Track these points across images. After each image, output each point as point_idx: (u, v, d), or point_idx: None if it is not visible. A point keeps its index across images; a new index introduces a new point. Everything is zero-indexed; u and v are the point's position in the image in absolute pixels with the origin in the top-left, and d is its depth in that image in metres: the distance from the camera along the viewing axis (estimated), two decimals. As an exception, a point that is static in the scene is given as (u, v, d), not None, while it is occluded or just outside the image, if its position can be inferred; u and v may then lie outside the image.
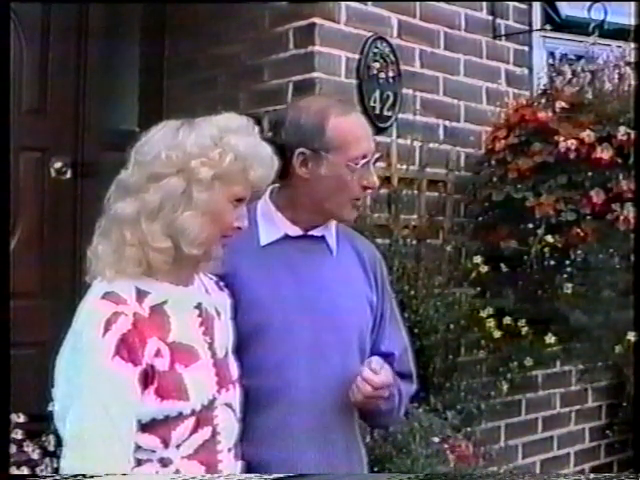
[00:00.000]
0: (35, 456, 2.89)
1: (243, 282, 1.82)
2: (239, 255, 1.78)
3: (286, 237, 1.91)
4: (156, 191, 1.57)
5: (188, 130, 1.61)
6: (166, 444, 1.55)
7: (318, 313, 1.87)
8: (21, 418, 2.90)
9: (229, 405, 1.68)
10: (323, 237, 1.94)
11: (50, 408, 1.56)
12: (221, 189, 1.60)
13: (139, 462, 1.53)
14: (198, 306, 1.67)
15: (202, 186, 1.58)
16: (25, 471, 2.81)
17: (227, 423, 1.66)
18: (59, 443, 2.76)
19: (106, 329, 1.49)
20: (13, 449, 2.83)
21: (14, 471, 2.75)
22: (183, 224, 1.57)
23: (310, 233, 1.92)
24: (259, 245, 1.89)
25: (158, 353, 1.54)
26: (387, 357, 1.99)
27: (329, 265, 1.94)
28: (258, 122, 1.72)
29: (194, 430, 1.58)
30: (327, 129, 1.85)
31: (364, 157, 1.86)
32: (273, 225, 1.91)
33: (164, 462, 1.55)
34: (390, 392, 1.89)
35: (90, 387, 1.48)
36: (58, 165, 3.40)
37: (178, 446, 1.56)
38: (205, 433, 1.60)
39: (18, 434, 2.89)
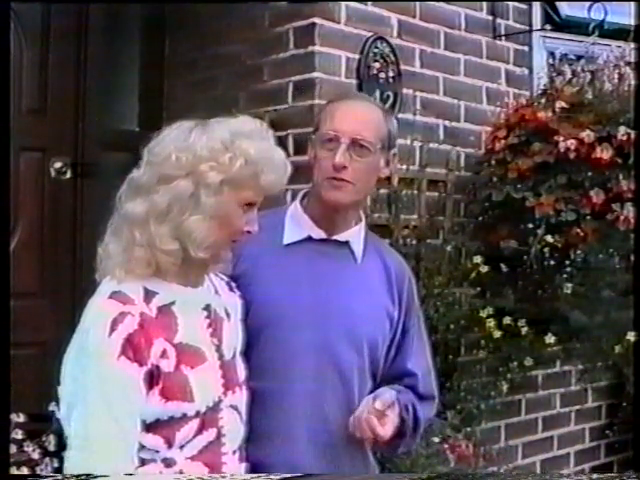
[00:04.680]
0: (35, 456, 2.89)
1: (260, 280, 1.83)
2: (261, 254, 1.80)
3: (309, 239, 1.91)
4: (165, 193, 1.57)
5: (200, 132, 1.59)
6: (170, 444, 1.55)
7: (331, 317, 1.87)
8: (21, 418, 2.90)
9: (235, 407, 1.67)
10: (347, 243, 1.93)
11: (51, 407, 1.56)
12: (230, 194, 1.59)
13: (143, 462, 1.53)
14: (207, 307, 1.67)
15: (210, 190, 1.57)
16: (25, 471, 2.81)
17: (232, 425, 1.66)
18: (59, 443, 2.78)
19: (112, 329, 1.49)
20: (13, 449, 2.83)
21: (14, 471, 2.75)
22: (190, 227, 1.57)
23: (334, 237, 1.92)
24: (282, 245, 1.89)
25: (164, 354, 1.54)
26: (410, 377, 1.99)
27: (350, 271, 1.93)
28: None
29: (198, 431, 1.58)
30: (324, 111, 1.92)
31: (334, 134, 1.84)
32: (298, 226, 1.91)
33: (168, 462, 1.56)
34: (402, 418, 1.87)
35: (96, 386, 1.49)
36: (58, 165, 3.40)
37: (182, 447, 1.56)
38: (210, 435, 1.60)
39: (18, 434, 2.89)
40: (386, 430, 1.78)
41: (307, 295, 1.86)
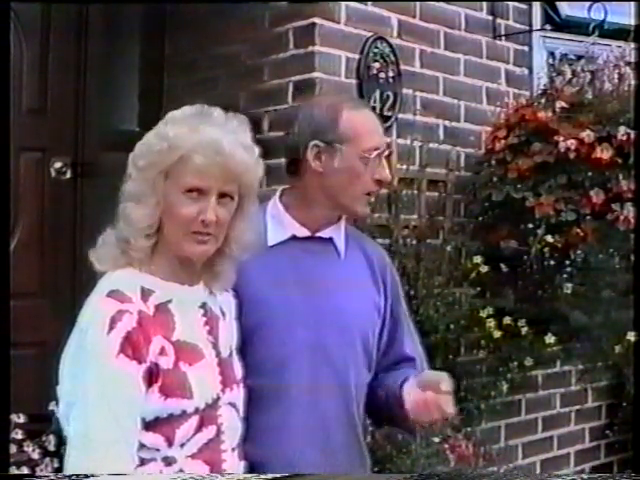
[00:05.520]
0: (35, 456, 2.89)
1: (249, 281, 1.82)
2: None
3: (294, 238, 1.91)
4: (124, 188, 1.63)
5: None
6: (170, 443, 1.55)
7: (322, 314, 1.88)
8: (21, 418, 2.90)
9: (233, 405, 1.68)
10: (331, 239, 1.94)
11: (51, 407, 1.56)
12: (167, 182, 1.59)
13: (143, 461, 1.53)
14: (203, 306, 1.68)
15: (135, 178, 1.60)
16: (25, 471, 2.81)
17: (231, 422, 1.66)
18: (59, 443, 2.78)
19: (111, 327, 1.50)
20: (13, 449, 2.83)
21: (14, 471, 2.75)
22: (125, 214, 1.60)
23: (318, 235, 1.93)
24: (266, 245, 1.89)
25: (162, 351, 1.55)
26: (409, 361, 2.01)
27: (336, 267, 1.94)
28: (252, 122, 1.71)
29: (198, 429, 1.58)
30: (340, 121, 1.88)
31: (376, 150, 1.87)
32: (281, 226, 1.92)
33: (168, 461, 1.56)
34: None
35: (95, 385, 1.49)
36: (58, 165, 3.40)
37: (182, 445, 1.57)
38: (209, 432, 1.61)
39: (18, 434, 2.89)
40: (450, 406, 1.79)
41: (296, 294, 1.88)
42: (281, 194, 1.97)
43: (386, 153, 1.91)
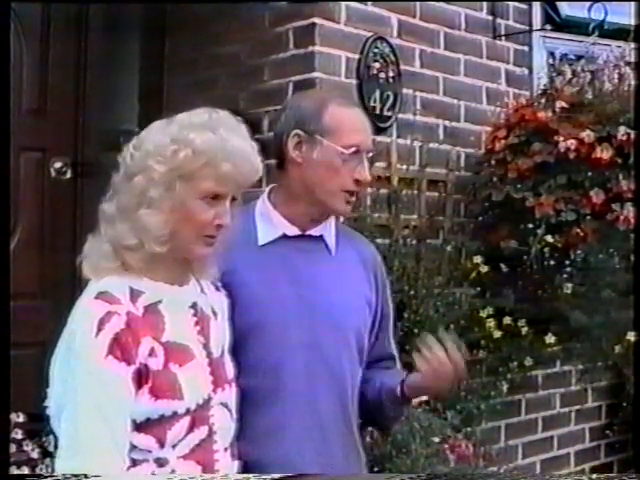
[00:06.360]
0: (35, 456, 2.89)
1: (241, 281, 1.82)
2: (237, 254, 1.78)
3: (284, 237, 1.91)
4: (126, 191, 1.59)
5: (157, 129, 1.62)
6: (162, 444, 1.54)
7: (316, 312, 1.87)
8: (21, 418, 2.90)
9: (225, 405, 1.68)
10: (321, 237, 1.94)
11: (46, 404, 1.56)
12: (185, 186, 1.58)
13: (135, 462, 1.53)
14: (193, 306, 1.67)
15: (157, 184, 1.57)
16: (25, 471, 2.81)
17: (223, 422, 1.66)
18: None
19: (99, 329, 1.50)
20: (13, 449, 2.83)
21: (14, 471, 2.75)
22: (143, 222, 1.58)
23: (308, 233, 1.92)
24: (257, 245, 1.89)
25: (152, 352, 1.54)
26: (390, 359, 2.03)
27: (327, 264, 1.94)
28: (252, 122, 1.70)
29: (190, 430, 1.58)
30: (325, 114, 1.87)
31: (357, 148, 1.85)
32: (271, 225, 1.91)
33: (160, 462, 1.55)
34: None
35: (84, 387, 1.49)
36: (58, 165, 3.41)
37: (174, 446, 1.56)
38: (201, 433, 1.60)
39: (18, 434, 2.89)
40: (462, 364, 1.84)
41: (290, 294, 1.87)
42: (269, 192, 1.96)
43: (370, 154, 1.89)
